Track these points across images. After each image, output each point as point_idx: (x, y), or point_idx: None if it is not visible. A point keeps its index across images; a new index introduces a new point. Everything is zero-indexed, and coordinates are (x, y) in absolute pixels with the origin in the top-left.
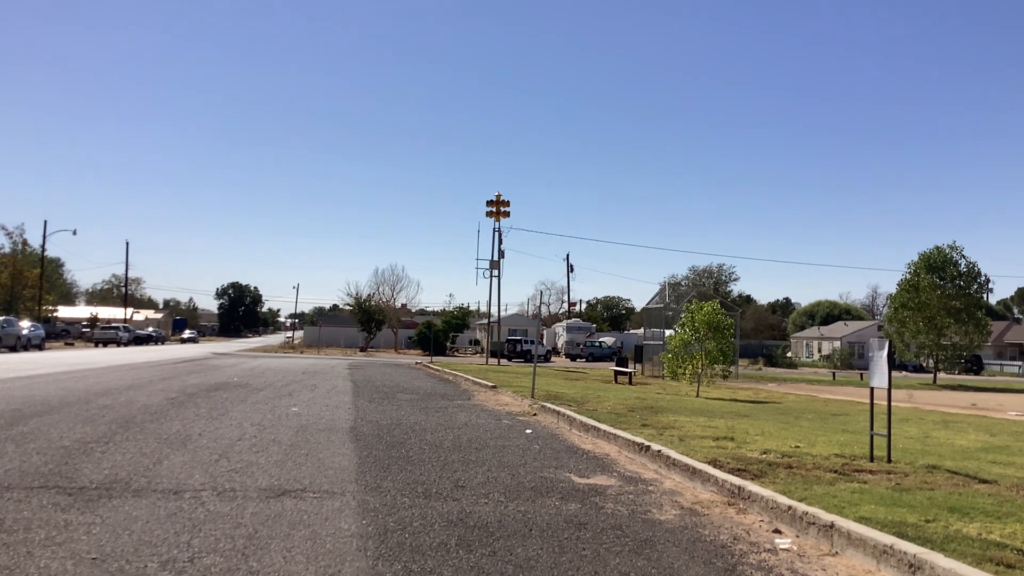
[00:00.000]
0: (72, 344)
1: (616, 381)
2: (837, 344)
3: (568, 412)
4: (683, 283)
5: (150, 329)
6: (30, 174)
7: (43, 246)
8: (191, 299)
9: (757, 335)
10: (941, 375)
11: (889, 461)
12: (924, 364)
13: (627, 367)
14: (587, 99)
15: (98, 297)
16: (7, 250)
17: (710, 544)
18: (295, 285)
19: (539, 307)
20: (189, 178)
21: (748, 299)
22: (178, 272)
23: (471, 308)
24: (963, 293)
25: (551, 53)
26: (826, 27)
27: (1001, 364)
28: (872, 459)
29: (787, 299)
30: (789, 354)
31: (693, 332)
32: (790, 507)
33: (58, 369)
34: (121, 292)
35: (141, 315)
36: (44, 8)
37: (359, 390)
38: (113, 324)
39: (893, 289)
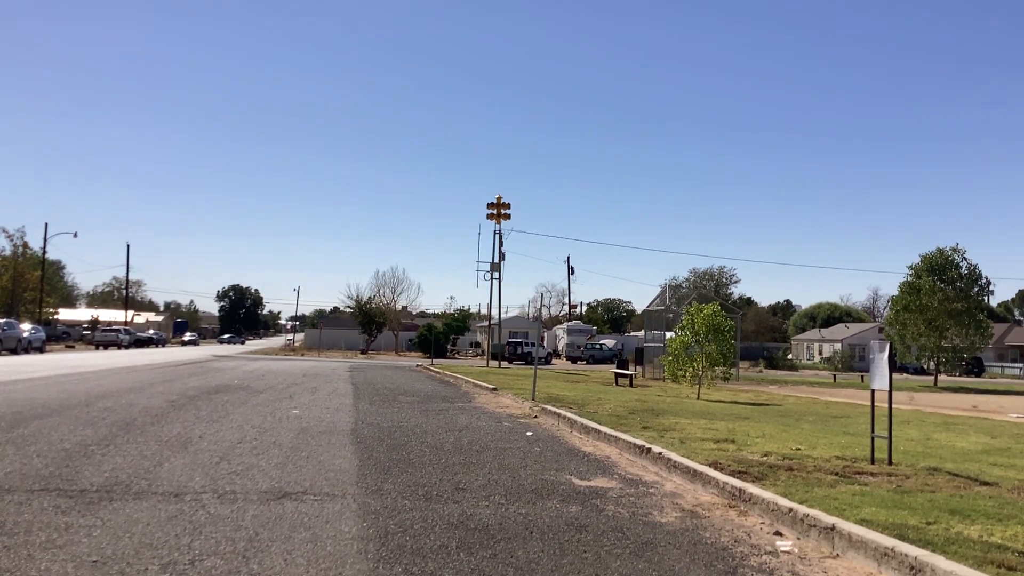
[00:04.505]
0: (73, 347)
1: (617, 383)
2: (838, 346)
3: (569, 414)
4: (684, 285)
5: (151, 332)
6: (31, 176)
7: (44, 249)
8: (192, 301)
9: (758, 337)
10: (942, 377)
11: (890, 463)
12: (925, 366)
13: (628, 369)
14: (588, 101)
15: (99, 300)
16: (8, 253)
17: (711, 546)
18: (296, 287)
19: (540, 309)
20: (190, 180)
21: (749, 301)
22: (179, 275)
23: (472, 310)
24: (964, 295)
25: (553, 54)
26: (827, 26)
27: (1002, 366)
28: (873, 461)
29: (788, 301)
30: (790, 356)
31: (694, 334)
32: (791, 509)
33: (59, 372)
34: (122, 295)
35: (142, 318)
36: (45, 9)
37: (360, 392)
38: (114, 327)
39: (894, 291)
